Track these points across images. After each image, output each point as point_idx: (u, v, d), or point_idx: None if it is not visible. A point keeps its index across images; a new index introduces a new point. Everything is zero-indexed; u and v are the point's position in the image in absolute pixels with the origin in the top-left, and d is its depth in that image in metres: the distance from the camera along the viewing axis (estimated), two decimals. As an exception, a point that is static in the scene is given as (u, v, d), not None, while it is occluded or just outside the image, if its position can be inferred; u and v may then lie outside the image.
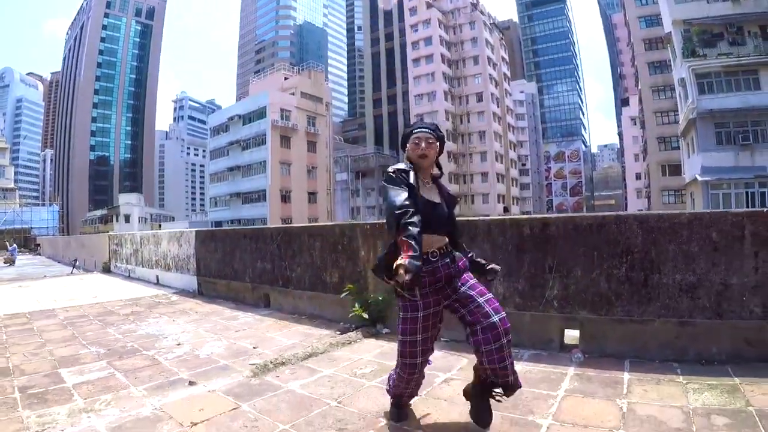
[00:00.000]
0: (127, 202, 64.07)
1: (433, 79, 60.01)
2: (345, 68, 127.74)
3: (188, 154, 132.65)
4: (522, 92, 76.16)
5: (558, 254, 3.66)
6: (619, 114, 67.96)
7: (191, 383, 3.11)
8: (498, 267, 2.46)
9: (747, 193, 23.30)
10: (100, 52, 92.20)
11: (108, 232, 17.91)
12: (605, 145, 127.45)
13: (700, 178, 24.19)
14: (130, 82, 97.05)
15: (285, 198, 46.58)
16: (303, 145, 48.66)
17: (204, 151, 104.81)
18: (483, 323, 2.09)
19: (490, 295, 2.21)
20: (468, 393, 2.41)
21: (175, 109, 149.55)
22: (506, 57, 71.59)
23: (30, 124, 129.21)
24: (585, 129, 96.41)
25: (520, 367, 3.18)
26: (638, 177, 52.90)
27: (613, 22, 75.41)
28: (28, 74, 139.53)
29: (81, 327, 5.08)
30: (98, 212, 70.60)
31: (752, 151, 23.31)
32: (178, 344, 4.23)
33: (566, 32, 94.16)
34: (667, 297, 3.30)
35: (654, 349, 3.29)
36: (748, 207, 20.32)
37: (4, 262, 22.47)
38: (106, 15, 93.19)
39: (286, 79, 53.36)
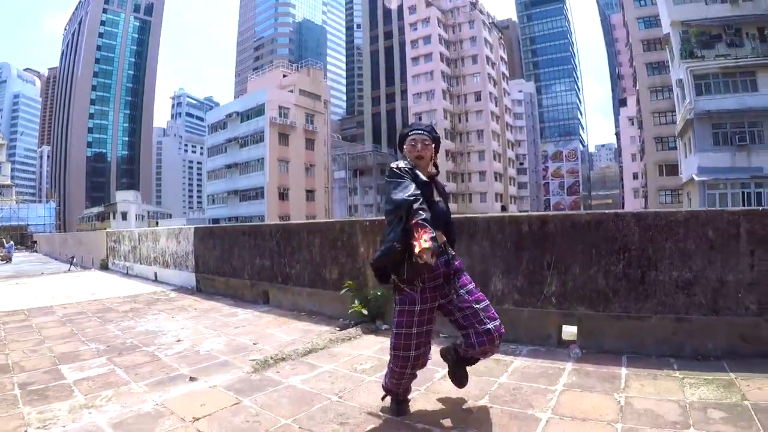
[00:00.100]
0: (125, 199, 63.91)
1: (431, 78, 59.99)
2: (344, 66, 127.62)
3: (186, 151, 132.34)
4: (520, 91, 76.24)
5: (556, 251, 3.69)
6: (616, 114, 68.08)
7: (192, 379, 3.12)
8: None
9: (743, 193, 23.44)
10: (98, 48, 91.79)
11: (105, 229, 17.87)
12: (603, 145, 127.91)
13: (696, 178, 24.30)
14: (128, 78, 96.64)
15: (283, 195, 46.53)
16: (301, 142, 48.60)
17: (202, 148, 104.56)
18: (477, 329, 2.23)
19: (486, 302, 2.32)
20: (445, 356, 2.60)
21: (172, 105, 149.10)
22: (505, 56, 71.60)
23: (27, 120, 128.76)
24: (583, 129, 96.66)
25: (518, 362, 3.25)
26: (635, 177, 53.01)
27: (612, 23, 75.47)
28: (25, 70, 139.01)
29: (80, 324, 5.08)
30: (95, 209, 70.44)
31: (749, 152, 23.43)
32: (178, 341, 4.24)
33: (565, 32, 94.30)
34: (663, 294, 3.33)
35: (651, 345, 3.32)
36: (744, 207, 20.42)
37: (1, 260, 22.38)
38: (105, 11, 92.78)
39: (284, 76, 53.26)
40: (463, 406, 2.54)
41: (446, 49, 61.84)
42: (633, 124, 51.35)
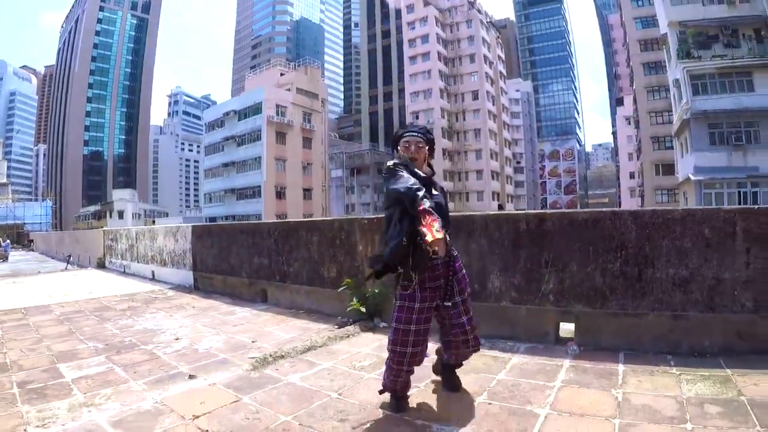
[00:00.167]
0: (121, 197, 63.69)
1: (429, 77, 60.00)
2: (341, 65, 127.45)
3: (182, 149, 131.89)
4: (518, 91, 76.31)
5: (554, 249, 3.71)
6: (613, 113, 68.17)
7: (191, 377, 3.12)
8: None
9: (739, 192, 23.56)
10: (95, 46, 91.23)
11: (101, 227, 17.81)
12: (600, 144, 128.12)
13: (693, 178, 24.41)
14: (125, 76, 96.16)
15: (280, 194, 46.43)
16: (298, 141, 48.50)
17: (198, 146, 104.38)
18: (459, 337, 2.46)
19: (471, 314, 2.47)
20: (437, 370, 2.82)
21: (169, 104, 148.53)
22: (502, 55, 71.67)
23: (23, 118, 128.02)
24: (580, 128, 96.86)
25: (516, 359, 3.27)
26: (632, 176, 53.12)
27: (609, 23, 75.54)
28: (21, 67, 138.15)
29: (78, 322, 5.07)
30: (92, 208, 70.14)
31: (745, 152, 23.55)
32: (177, 339, 4.24)
33: (562, 32, 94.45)
34: (660, 291, 3.36)
35: (648, 342, 3.34)
36: (725, 206, 20.49)
37: (-3, 258, 22.25)
38: (102, 8, 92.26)
39: (282, 75, 53.15)
40: (462, 403, 2.55)
41: (444, 48, 61.86)
42: (630, 123, 51.49)
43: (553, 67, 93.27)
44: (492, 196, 59.65)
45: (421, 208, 2.08)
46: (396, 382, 2.41)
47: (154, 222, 53.84)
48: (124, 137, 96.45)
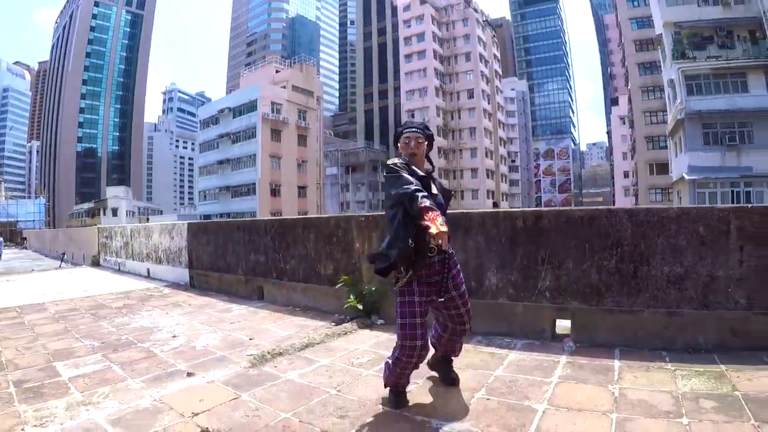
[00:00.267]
0: (115, 195, 63.21)
1: (424, 75, 59.99)
2: (337, 62, 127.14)
3: (177, 146, 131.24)
4: (513, 90, 76.44)
5: (550, 246, 3.74)
6: (608, 113, 68.58)
7: (189, 374, 3.11)
8: None
9: (733, 192, 23.77)
10: (89, 42, 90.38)
11: (95, 225, 17.71)
12: (594, 144, 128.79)
13: (687, 177, 24.59)
14: (119, 72, 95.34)
15: (275, 192, 46.30)
16: (293, 138, 48.36)
17: (193, 143, 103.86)
18: (457, 330, 2.56)
19: (468, 306, 2.55)
20: (432, 365, 2.85)
21: (164, 100, 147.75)
22: (498, 54, 71.75)
23: (16, 115, 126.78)
24: (574, 127, 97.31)
25: (513, 355, 3.29)
26: (626, 175, 53.47)
27: (605, 23, 75.95)
28: (15, 63, 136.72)
29: (73, 320, 5.04)
30: (85, 205, 69.59)
31: (738, 152, 23.76)
32: (174, 336, 4.23)
33: (558, 31, 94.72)
34: (655, 288, 3.39)
35: (643, 339, 3.38)
36: (719, 205, 20.71)
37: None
38: (96, 4, 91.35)
39: (277, 72, 52.97)
40: (461, 399, 2.57)
41: (440, 46, 61.86)
42: (624, 123, 51.74)
43: (548, 66, 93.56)
44: (487, 195, 59.81)
45: (423, 205, 2.15)
46: (402, 375, 2.44)
47: (148, 219, 53.57)
48: (118, 134, 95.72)
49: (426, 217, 2.10)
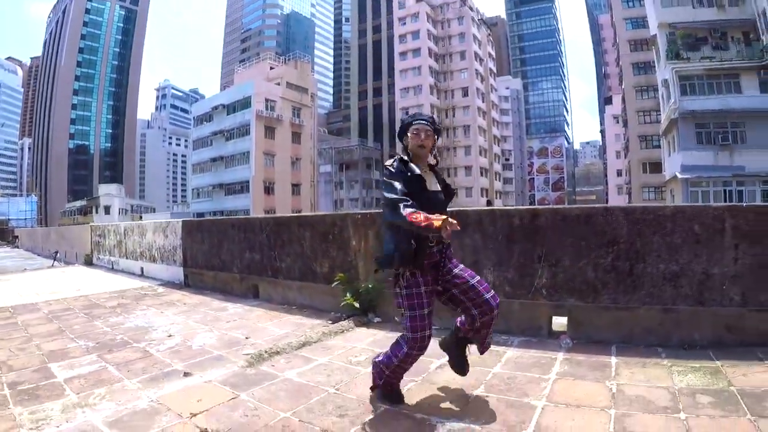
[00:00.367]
0: (107, 192, 62.78)
1: (419, 73, 59.99)
2: (331, 59, 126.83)
3: (170, 143, 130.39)
4: (507, 88, 76.63)
5: (547, 244, 3.75)
6: (602, 112, 68.87)
7: (186, 374, 3.08)
8: None
9: (725, 191, 24.06)
10: (83, 37, 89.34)
11: (87, 223, 17.55)
12: (587, 142, 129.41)
13: (680, 176, 24.81)
14: (113, 68, 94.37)
15: (268, 189, 46.15)
16: (287, 136, 48.20)
17: (186, 140, 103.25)
18: (476, 300, 2.36)
19: (479, 277, 2.43)
20: (445, 345, 2.67)
21: (157, 97, 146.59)
22: (493, 53, 71.85)
23: (8, 111, 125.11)
24: (568, 126, 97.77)
25: (511, 352, 3.30)
26: (619, 174, 53.84)
27: (600, 23, 76.20)
28: (7, 59, 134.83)
29: (67, 320, 4.98)
30: (77, 203, 69.05)
31: (731, 151, 24.04)
32: (169, 336, 4.19)
33: (553, 31, 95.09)
34: (651, 285, 3.42)
35: (639, 335, 3.41)
36: (715, 203, 20.96)
37: (-19, 254, 21.84)
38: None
39: (271, 68, 52.77)
40: (460, 396, 2.58)
41: (435, 44, 61.87)
42: (618, 122, 52.10)
43: (542, 65, 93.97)
44: (481, 193, 59.95)
45: (408, 215, 2.16)
46: (402, 370, 2.44)
47: (141, 217, 53.17)
48: (110, 131, 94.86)
49: (419, 219, 2.12)
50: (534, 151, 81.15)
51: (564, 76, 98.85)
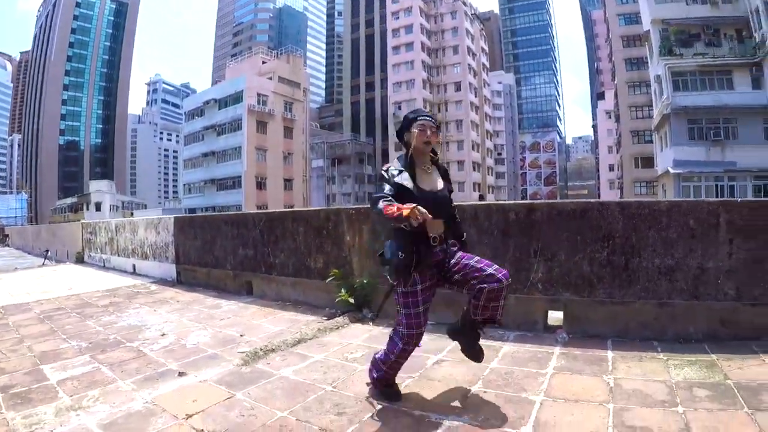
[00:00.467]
0: (98, 189, 62.07)
1: (412, 68, 59.83)
2: (324, 54, 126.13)
3: (161, 139, 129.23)
4: (500, 83, 76.72)
5: (542, 239, 3.76)
6: (594, 107, 69.15)
7: (181, 374, 3.04)
8: None
9: (717, 186, 24.32)
10: (73, 31, 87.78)
11: (78, 220, 17.38)
12: (580, 137, 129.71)
13: (672, 171, 25.01)
14: (103, 63, 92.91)
15: (260, 185, 45.92)
16: (279, 130, 47.93)
17: (178, 136, 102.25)
18: (479, 276, 2.27)
19: (477, 257, 2.39)
20: (454, 334, 2.59)
21: (148, 92, 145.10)
22: (486, 48, 71.83)
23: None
24: (560, 121, 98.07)
25: (507, 347, 3.30)
26: (611, 168, 54.12)
27: (593, 19, 76.31)
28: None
29: (59, 320, 4.90)
30: (68, 200, 68.23)
31: (723, 147, 24.28)
32: (163, 335, 4.14)
33: (546, 26, 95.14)
34: (646, 280, 3.43)
35: (634, 329, 3.42)
36: (709, 198, 21.18)
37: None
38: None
39: (263, 63, 52.30)
40: (458, 392, 2.57)
41: (427, 38, 61.70)
42: (610, 117, 52.32)
43: (535, 60, 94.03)
44: (473, 187, 60.07)
45: (381, 206, 2.17)
46: (397, 365, 2.43)
47: (132, 214, 52.73)
48: (101, 126, 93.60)
49: (388, 212, 2.11)
50: (526, 146, 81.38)
51: (557, 71, 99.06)
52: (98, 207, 58.87)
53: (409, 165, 2.37)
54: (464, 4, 64.28)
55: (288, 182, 48.96)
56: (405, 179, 2.30)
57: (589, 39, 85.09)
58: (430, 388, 2.63)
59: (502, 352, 3.22)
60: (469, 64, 61.73)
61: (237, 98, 45.43)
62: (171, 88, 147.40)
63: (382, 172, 2.37)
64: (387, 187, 2.28)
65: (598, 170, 61.95)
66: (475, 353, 2.52)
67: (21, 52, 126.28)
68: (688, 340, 3.23)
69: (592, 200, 3.78)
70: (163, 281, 7.68)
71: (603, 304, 3.54)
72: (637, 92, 40.89)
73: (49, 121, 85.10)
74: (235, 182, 45.38)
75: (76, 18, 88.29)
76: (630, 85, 41.65)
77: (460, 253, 2.43)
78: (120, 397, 2.68)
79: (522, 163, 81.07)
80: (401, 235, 2.28)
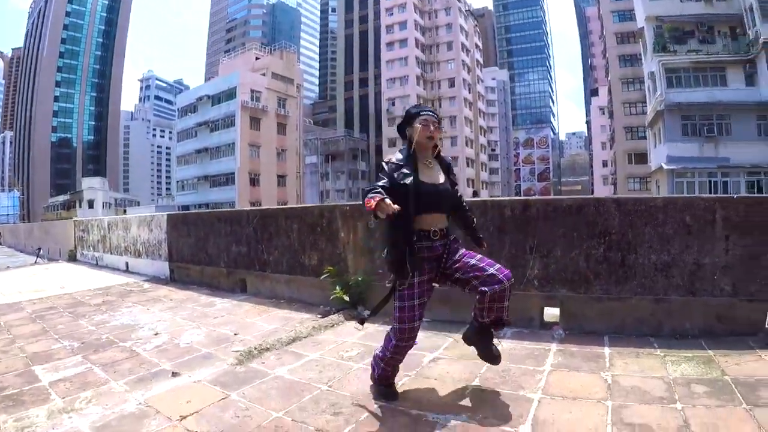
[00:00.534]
0: (91, 186, 61.46)
1: (406, 64, 59.64)
2: (317, 50, 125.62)
3: (154, 135, 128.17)
4: (494, 79, 76.70)
5: (538, 235, 3.74)
6: (588, 103, 69.40)
7: (174, 374, 3.00)
8: (485, 245, 2.73)
9: (710, 182, 24.50)
10: (65, 27, 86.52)
11: (71, 218, 17.23)
12: (573, 133, 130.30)
13: (665, 167, 25.15)
14: (95, 59, 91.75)
15: (254, 181, 45.69)
16: (273, 127, 47.68)
17: (171, 132, 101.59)
18: (480, 277, 2.26)
19: (481, 256, 2.37)
20: (469, 338, 2.55)
21: (141, 88, 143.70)
22: (480, 44, 71.79)
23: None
24: (554, 117, 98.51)
25: (504, 344, 3.27)
26: (605, 164, 54.34)
27: (587, 15, 76.50)
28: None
29: (51, 320, 4.84)
30: (61, 198, 67.52)
31: (716, 143, 24.44)
32: (156, 334, 4.09)
33: (540, 22, 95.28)
34: (643, 276, 3.43)
35: (631, 325, 3.42)
36: (717, 194, 21.35)
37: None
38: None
39: (257, 59, 51.92)
40: (456, 390, 2.55)
41: (422, 35, 61.54)
42: (604, 113, 52.43)
43: (529, 56, 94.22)
44: (467, 183, 60.11)
45: (365, 200, 2.12)
46: (393, 362, 2.40)
47: (125, 211, 52.31)
48: (94, 123, 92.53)
49: (367, 206, 2.07)
50: (520, 142, 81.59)
51: (550, 67, 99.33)
52: (91, 204, 58.34)
53: (412, 159, 2.35)
54: (458, 0, 64.15)
55: (281, 179, 48.74)
56: (404, 172, 2.28)
57: (583, 36, 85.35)
58: (427, 387, 2.60)
59: (498, 349, 3.19)
60: (463, 61, 61.66)
61: (230, 94, 45.12)
62: (164, 85, 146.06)
63: (383, 163, 2.36)
64: (383, 180, 2.25)
65: (591, 166, 62.24)
66: (491, 356, 2.48)
67: (13, 49, 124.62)
68: (685, 336, 3.23)
69: (588, 196, 3.78)
70: (156, 279, 7.62)
71: (599, 301, 3.53)
72: (631, 89, 41.02)
73: (42, 117, 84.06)
74: (228, 179, 45.13)
75: (68, 14, 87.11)
76: (624, 81, 41.78)
77: (462, 251, 2.40)
78: (113, 398, 2.64)
79: (515, 159, 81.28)
80: (391, 228, 2.27)
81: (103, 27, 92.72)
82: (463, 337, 2.61)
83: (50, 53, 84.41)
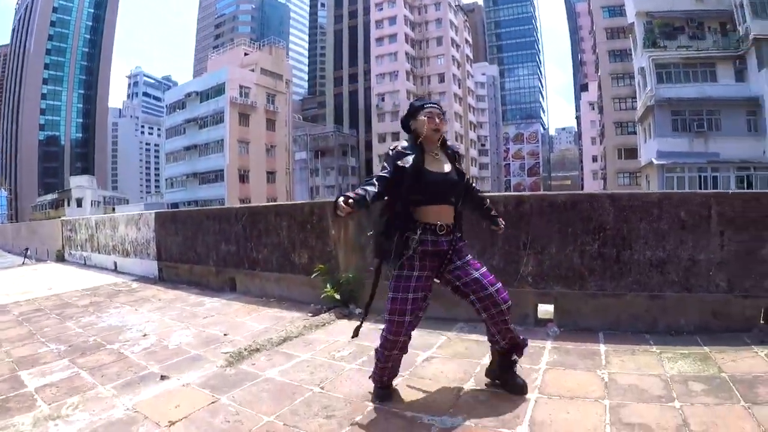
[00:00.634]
0: (79, 184, 60.67)
1: (395, 59, 59.45)
2: (306, 45, 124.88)
3: (143, 132, 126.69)
4: (483, 74, 76.72)
5: (532, 231, 3.71)
6: (578, 99, 69.72)
7: (163, 377, 2.93)
8: (502, 224, 2.83)
9: (700, 177, 24.74)
10: (52, 24, 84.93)
11: (59, 217, 16.97)
12: (563, 128, 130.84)
13: (656, 162, 25.33)
14: (83, 56, 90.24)
15: (243, 178, 45.41)
16: (262, 123, 47.36)
17: (159, 129, 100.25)
18: (478, 294, 2.27)
19: (484, 269, 2.35)
20: (491, 374, 2.51)
21: (129, 85, 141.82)
22: (469, 39, 71.76)
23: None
24: (544, 112, 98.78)
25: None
26: (594, 159, 54.67)
27: (577, 11, 76.68)
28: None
29: (38, 322, 4.73)
30: (48, 197, 66.54)
31: (706, 138, 24.68)
32: (144, 335, 4.01)
33: (530, 17, 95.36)
34: (638, 272, 3.41)
35: (626, 322, 3.40)
36: (700, 190, 21.55)
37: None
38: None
39: (246, 55, 51.46)
40: (450, 390, 2.50)
41: (411, 30, 61.35)
42: (594, 108, 52.70)
43: (519, 51, 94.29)
44: (458, 179, 60.13)
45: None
46: (389, 360, 2.34)
47: (114, 210, 51.71)
48: (81, 120, 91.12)
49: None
50: (510, 137, 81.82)
51: (540, 62, 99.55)
52: (79, 203, 57.62)
53: (418, 150, 2.32)
54: (448, -5, 64.02)
55: (271, 175, 48.45)
56: (408, 162, 2.25)
57: (572, 31, 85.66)
58: (421, 387, 2.55)
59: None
60: (452, 56, 61.62)
61: (219, 90, 44.70)
62: (152, 81, 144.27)
63: (388, 151, 2.35)
64: (385, 170, 2.25)
65: (581, 161, 62.57)
66: (517, 387, 2.38)
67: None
68: (680, 333, 3.22)
69: (582, 192, 3.76)
70: (144, 279, 7.51)
71: (594, 297, 3.51)
72: (621, 84, 41.22)
73: (29, 115, 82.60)
74: (217, 176, 44.78)
75: (55, 10, 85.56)
76: (614, 76, 41.96)
77: (468, 257, 2.38)
78: (100, 404, 2.57)
79: (505, 154, 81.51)
80: (387, 210, 2.28)
81: (90, 23, 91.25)
82: (486, 375, 2.54)
83: (37, 50, 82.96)
